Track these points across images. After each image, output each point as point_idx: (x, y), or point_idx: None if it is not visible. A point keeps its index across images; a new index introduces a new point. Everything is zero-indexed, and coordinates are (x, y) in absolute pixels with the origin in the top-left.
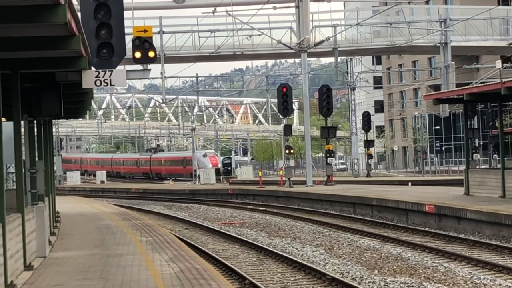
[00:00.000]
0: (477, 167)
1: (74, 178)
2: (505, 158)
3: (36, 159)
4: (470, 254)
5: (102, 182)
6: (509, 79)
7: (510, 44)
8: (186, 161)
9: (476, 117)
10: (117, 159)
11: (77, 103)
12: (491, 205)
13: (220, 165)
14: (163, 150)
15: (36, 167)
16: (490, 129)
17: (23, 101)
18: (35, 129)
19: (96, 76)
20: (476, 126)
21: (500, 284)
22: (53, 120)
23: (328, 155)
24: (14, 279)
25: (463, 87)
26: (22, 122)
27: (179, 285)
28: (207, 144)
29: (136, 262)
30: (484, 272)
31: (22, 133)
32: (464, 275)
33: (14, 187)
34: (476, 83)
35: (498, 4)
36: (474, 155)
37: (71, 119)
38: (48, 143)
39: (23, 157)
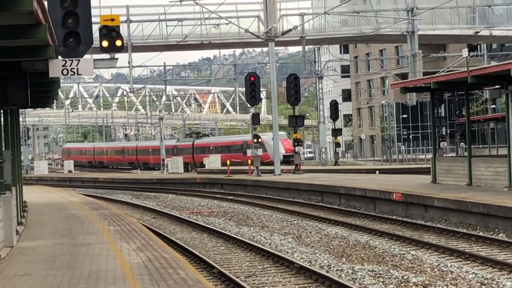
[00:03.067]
0: (444, 155)
1: (41, 168)
2: (472, 146)
3: (3, 148)
4: (437, 242)
5: (70, 171)
6: (475, 68)
7: (477, 32)
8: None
9: (443, 105)
10: (144, 147)
11: (44, 93)
12: (458, 193)
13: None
14: (207, 135)
15: (3, 157)
16: (457, 117)
17: None
18: (2, 119)
19: (63, 65)
20: (443, 115)
21: (467, 272)
22: (20, 110)
23: (296, 144)
24: None
25: (430, 76)
26: None
27: (147, 274)
28: (175, 133)
29: (104, 252)
30: (451, 259)
31: None
32: (431, 262)
33: None
34: (443, 71)
35: None
36: (441, 143)
37: (38, 109)
38: (15, 132)
39: None
